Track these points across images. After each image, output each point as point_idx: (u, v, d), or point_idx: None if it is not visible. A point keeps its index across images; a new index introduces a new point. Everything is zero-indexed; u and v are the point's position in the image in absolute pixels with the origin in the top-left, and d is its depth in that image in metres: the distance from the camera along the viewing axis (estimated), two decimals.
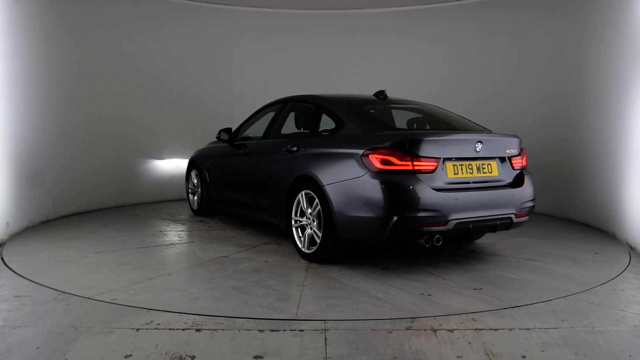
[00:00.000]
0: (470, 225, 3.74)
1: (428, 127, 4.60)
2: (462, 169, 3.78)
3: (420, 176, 3.58)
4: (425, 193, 3.54)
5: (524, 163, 4.23)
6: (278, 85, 7.49)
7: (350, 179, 3.73)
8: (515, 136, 4.19)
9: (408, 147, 3.59)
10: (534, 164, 6.79)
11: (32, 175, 5.33)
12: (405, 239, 4.07)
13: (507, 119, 7.20)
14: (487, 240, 4.95)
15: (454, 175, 3.73)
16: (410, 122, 4.73)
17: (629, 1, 5.00)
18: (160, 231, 5.42)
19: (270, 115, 5.22)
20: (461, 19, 7.61)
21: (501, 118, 7.28)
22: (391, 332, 2.69)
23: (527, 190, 4.08)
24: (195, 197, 6.30)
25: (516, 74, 7.07)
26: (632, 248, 4.67)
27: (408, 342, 2.57)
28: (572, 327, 2.78)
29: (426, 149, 3.62)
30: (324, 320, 2.85)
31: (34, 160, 5.41)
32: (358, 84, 7.40)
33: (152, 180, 7.45)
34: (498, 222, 3.90)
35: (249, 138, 5.40)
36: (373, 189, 3.58)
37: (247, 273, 3.81)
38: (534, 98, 6.82)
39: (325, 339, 2.59)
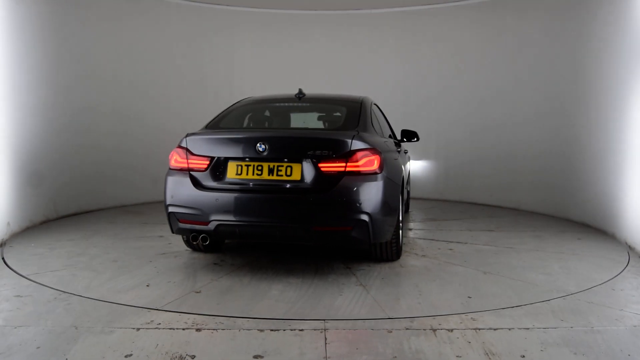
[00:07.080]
0: (237, 230, 3.54)
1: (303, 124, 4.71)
2: (247, 170, 3.57)
3: (194, 174, 3.64)
4: (187, 191, 3.60)
5: (353, 167, 3.45)
6: (277, 85, 7.49)
7: None
8: (344, 136, 3.54)
9: (186, 145, 3.73)
10: (534, 163, 6.82)
11: (32, 175, 5.34)
12: (183, 234, 3.93)
13: (507, 118, 7.22)
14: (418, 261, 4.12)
15: (235, 176, 3.58)
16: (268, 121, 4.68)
17: (629, 2, 5.01)
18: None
19: None
20: (461, 19, 7.62)
21: (501, 117, 7.31)
22: (391, 332, 2.70)
23: (337, 199, 3.40)
24: None
25: (516, 74, 7.08)
26: (631, 248, 4.68)
27: (408, 341, 2.58)
28: (571, 327, 2.79)
29: (199, 148, 3.69)
30: (324, 319, 2.86)
31: (34, 160, 5.42)
32: (357, 84, 7.41)
33: (154, 180, 7.45)
34: (280, 232, 3.54)
35: None
36: (165, 184, 3.77)
37: (132, 248, 4.47)
38: (533, 98, 6.83)
39: (325, 339, 2.60)
